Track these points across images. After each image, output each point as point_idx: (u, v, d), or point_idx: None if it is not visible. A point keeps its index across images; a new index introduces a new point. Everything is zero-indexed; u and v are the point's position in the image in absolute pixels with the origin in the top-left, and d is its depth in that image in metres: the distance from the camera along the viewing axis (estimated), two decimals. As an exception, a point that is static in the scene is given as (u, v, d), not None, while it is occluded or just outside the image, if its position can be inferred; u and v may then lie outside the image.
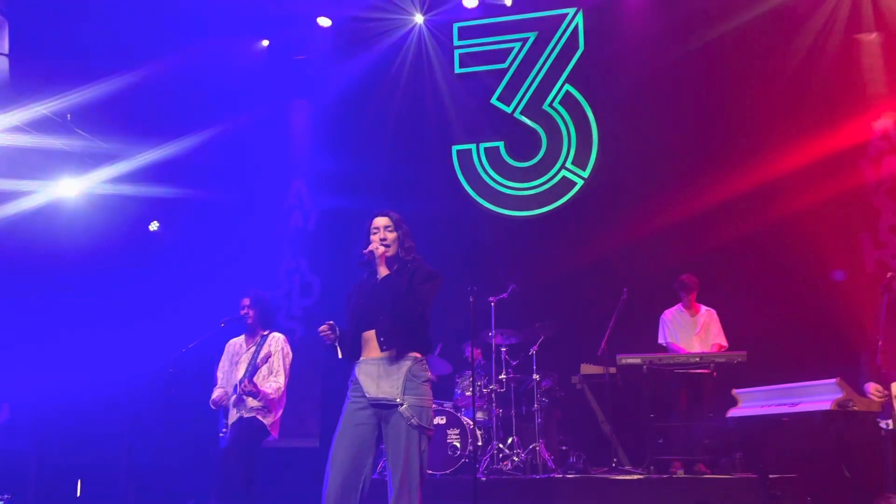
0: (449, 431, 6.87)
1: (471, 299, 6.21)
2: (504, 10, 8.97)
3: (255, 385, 5.52)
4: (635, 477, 6.34)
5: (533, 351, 7.25)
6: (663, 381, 6.87)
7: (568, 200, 8.62)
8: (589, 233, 8.37)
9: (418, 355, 3.72)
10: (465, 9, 8.95)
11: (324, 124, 9.33)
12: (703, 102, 8.26)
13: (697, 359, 6.63)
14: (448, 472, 6.75)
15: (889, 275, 4.86)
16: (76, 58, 7.89)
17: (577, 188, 8.62)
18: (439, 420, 6.82)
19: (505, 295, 7.25)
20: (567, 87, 8.78)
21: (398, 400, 3.61)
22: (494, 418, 7.05)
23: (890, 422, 4.61)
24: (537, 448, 6.86)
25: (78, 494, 7.78)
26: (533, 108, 8.87)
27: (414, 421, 3.59)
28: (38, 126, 7.52)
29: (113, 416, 7.85)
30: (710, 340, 7.01)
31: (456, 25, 9.16)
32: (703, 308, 7.18)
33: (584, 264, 8.19)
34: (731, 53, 8.17)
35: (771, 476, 5.39)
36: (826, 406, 4.48)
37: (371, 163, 8.95)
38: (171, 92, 8.59)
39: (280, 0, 8.68)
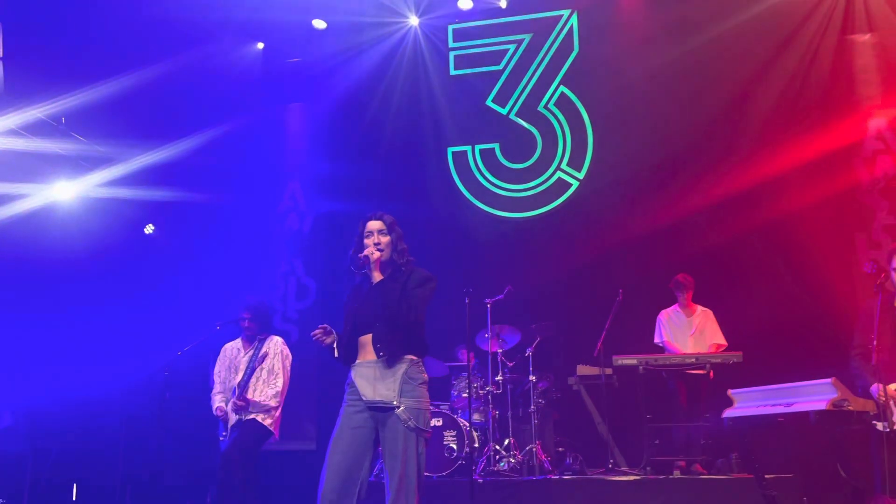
0: (445, 433, 6.87)
1: (466, 301, 6.22)
2: (499, 12, 8.98)
3: (246, 401, 5.57)
4: (632, 478, 6.35)
5: (529, 352, 7.25)
6: (659, 382, 6.89)
7: (563, 202, 8.64)
8: (584, 234, 8.38)
9: (414, 358, 3.71)
10: (460, 11, 8.96)
11: (319, 126, 9.33)
12: (698, 103, 8.27)
13: (693, 359, 6.64)
14: (445, 473, 6.75)
15: (883, 275, 4.87)
16: (71, 61, 7.87)
17: (572, 189, 8.63)
18: (436, 422, 6.82)
19: (501, 296, 7.25)
20: (562, 88, 8.80)
21: (395, 402, 3.60)
22: (491, 420, 7.05)
23: (886, 423, 4.61)
24: (534, 449, 6.87)
25: (73, 498, 7.75)
26: (528, 110, 8.88)
27: (411, 423, 3.58)
28: (33, 129, 7.50)
29: (109, 419, 7.82)
30: (705, 341, 7.02)
31: (451, 27, 9.17)
32: (700, 308, 7.19)
33: (579, 265, 8.22)
34: (725, 55, 8.20)
35: (767, 476, 5.39)
36: (821, 406, 4.49)
37: (366, 165, 8.94)
38: (167, 95, 8.57)
39: (275, 3, 8.67)
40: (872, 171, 7.75)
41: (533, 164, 8.81)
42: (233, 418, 5.69)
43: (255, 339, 5.89)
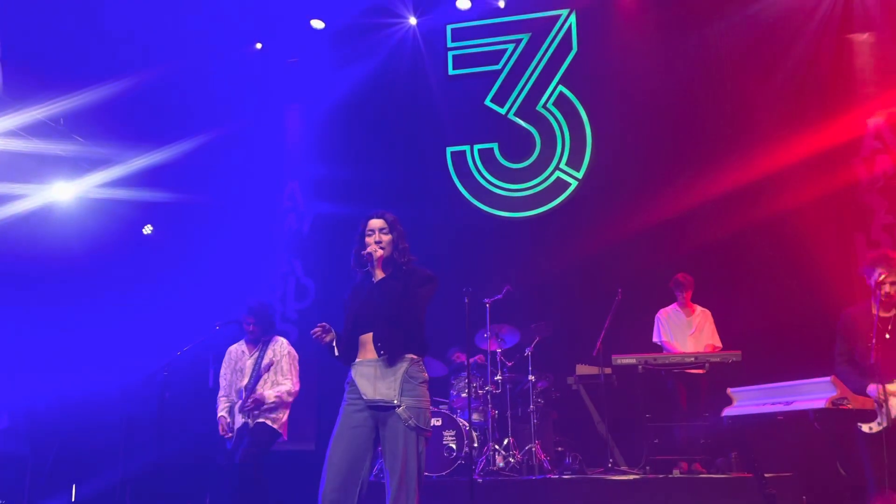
0: (445, 433, 6.87)
1: (466, 300, 6.21)
2: (497, 12, 8.99)
3: (255, 401, 5.58)
4: (631, 477, 6.35)
5: (528, 352, 7.25)
6: (659, 382, 6.89)
7: (562, 201, 8.64)
8: (583, 233, 8.38)
9: (415, 357, 3.71)
10: (459, 10, 8.96)
11: (318, 127, 9.33)
12: (697, 102, 8.29)
13: (692, 359, 6.64)
14: (444, 473, 6.75)
15: (883, 274, 4.87)
16: (71, 62, 7.87)
17: (571, 189, 8.63)
18: (435, 422, 6.82)
19: (500, 296, 7.25)
20: (561, 88, 8.80)
21: (395, 402, 3.59)
22: (490, 419, 7.05)
23: (874, 424, 4.63)
24: (533, 449, 6.87)
25: (73, 499, 7.75)
26: (527, 110, 8.88)
27: (411, 423, 3.58)
28: (32, 130, 7.50)
29: (108, 419, 7.83)
30: (704, 341, 7.02)
31: (449, 27, 9.17)
32: (699, 308, 7.19)
33: (578, 265, 8.22)
34: (723, 54, 8.21)
35: (767, 475, 5.39)
36: (821, 404, 4.49)
37: (365, 165, 8.95)
38: (166, 95, 8.59)
39: (273, 3, 8.67)
40: (871, 170, 7.76)
41: (532, 163, 8.81)
42: (239, 420, 5.69)
43: (259, 341, 5.88)
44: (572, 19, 8.84)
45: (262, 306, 5.94)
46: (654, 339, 7.19)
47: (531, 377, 7.19)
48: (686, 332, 7.10)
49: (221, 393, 5.93)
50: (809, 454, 6.00)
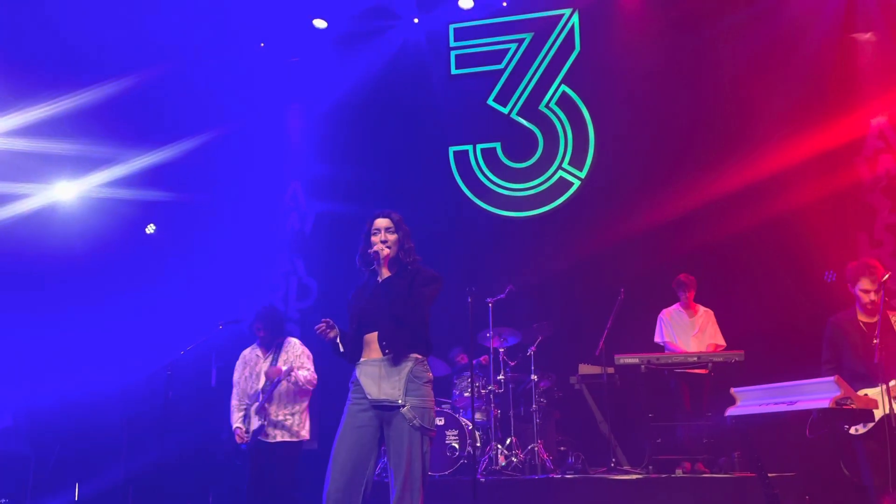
0: (448, 432, 6.87)
1: (469, 300, 6.21)
2: (500, 12, 8.99)
3: (284, 372, 5.55)
4: (634, 477, 6.34)
5: (531, 351, 7.25)
6: (661, 381, 6.88)
7: (565, 201, 8.64)
8: (586, 233, 8.38)
9: (419, 356, 3.71)
10: (461, 10, 8.96)
11: (320, 126, 9.32)
12: (699, 102, 8.28)
13: (695, 358, 6.64)
14: (447, 472, 6.75)
15: (887, 274, 4.87)
16: (73, 61, 7.87)
17: (574, 188, 8.63)
18: (438, 421, 6.82)
19: (503, 296, 7.25)
20: (563, 87, 8.80)
21: (400, 401, 3.59)
22: (493, 419, 7.05)
23: (859, 426, 4.66)
24: (536, 448, 6.86)
25: (76, 498, 7.75)
26: (529, 109, 8.88)
27: (416, 422, 3.58)
28: (34, 130, 7.50)
29: (111, 418, 7.83)
30: (707, 341, 7.01)
31: (452, 27, 9.17)
32: (702, 309, 7.18)
33: (581, 264, 8.21)
34: (726, 53, 8.21)
35: (770, 474, 5.39)
36: (824, 404, 4.48)
37: (367, 164, 8.95)
38: (168, 95, 8.59)
39: (275, 2, 8.67)
40: (874, 170, 7.75)
41: (534, 163, 8.81)
42: (255, 422, 5.68)
43: (272, 344, 5.88)
44: (575, 19, 8.83)
45: (270, 311, 5.92)
46: (657, 340, 7.18)
47: (534, 377, 7.19)
48: (689, 332, 7.09)
49: (234, 401, 5.88)
50: (812, 454, 5.99)
